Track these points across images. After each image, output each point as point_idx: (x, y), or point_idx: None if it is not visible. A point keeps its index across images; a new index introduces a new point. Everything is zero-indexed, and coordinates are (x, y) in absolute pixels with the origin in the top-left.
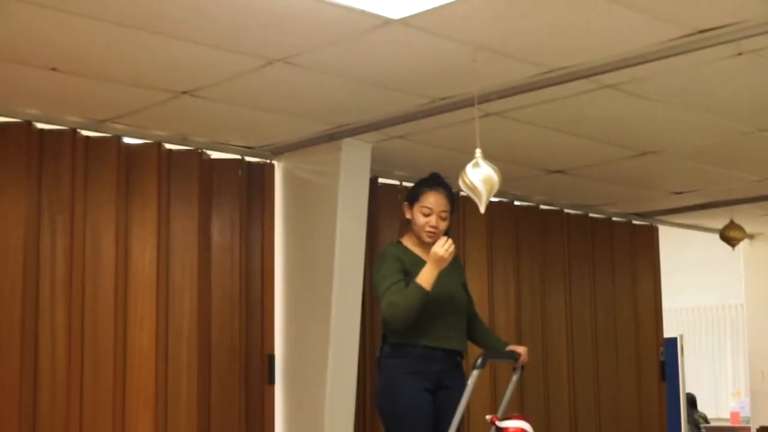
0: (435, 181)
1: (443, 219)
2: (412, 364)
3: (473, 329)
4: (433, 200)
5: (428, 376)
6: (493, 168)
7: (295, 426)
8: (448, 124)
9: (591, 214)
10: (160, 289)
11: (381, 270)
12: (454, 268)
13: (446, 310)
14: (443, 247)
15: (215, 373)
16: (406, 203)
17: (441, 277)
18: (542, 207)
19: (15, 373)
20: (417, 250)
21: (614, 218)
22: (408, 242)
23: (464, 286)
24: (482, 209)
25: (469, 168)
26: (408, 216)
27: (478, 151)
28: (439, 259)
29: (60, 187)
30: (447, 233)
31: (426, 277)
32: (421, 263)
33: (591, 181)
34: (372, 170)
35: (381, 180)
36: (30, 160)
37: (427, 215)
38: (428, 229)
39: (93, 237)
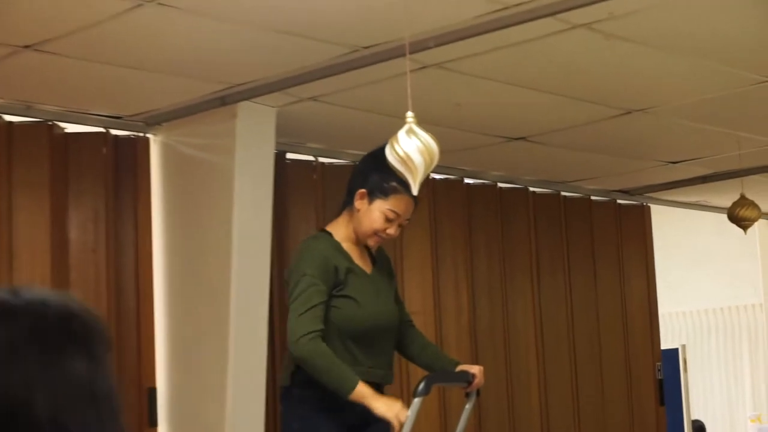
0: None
1: (401, 226)
2: (331, 397)
3: (408, 342)
4: (404, 207)
5: (348, 414)
6: (422, 139)
7: None
8: (373, 81)
9: (563, 193)
10: None
11: (299, 267)
12: (385, 271)
13: (381, 332)
14: (396, 416)
15: None
16: (364, 191)
17: (372, 294)
18: (501, 185)
19: None
20: (348, 246)
21: (594, 197)
22: (339, 234)
23: (396, 294)
24: (415, 189)
25: (400, 136)
26: (359, 207)
27: (410, 115)
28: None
29: None
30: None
31: (364, 396)
32: (353, 263)
33: (562, 149)
34: (278, 143)
35: (290, 155)
36: None
37: (390, 220)
38: (383, 235)
39: None
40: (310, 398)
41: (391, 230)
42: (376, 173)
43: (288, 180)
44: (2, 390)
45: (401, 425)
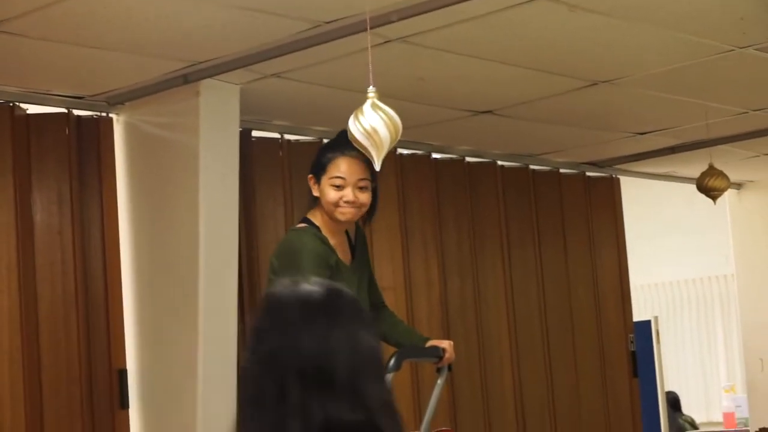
0: (345, 142)
1: (363, 189)
2: None
3: (379, 322)
4: (345, 167)
5: None
6: (387, 113)
7: None
8: (337, 56)
9: (532, 166)
10: None
11: (301, 268)
12: (362, 257)
13: None
14: None
15: (48, 398)
16: (311, 177)
17: (351, 284)
18: (468, 159)
19: None
20: (331, 238)
21: (562, 170)
22: (322, 225)
23: (370, 279)
24: (377, 165)
25: (365, 109)
26: (316, 192)
27: (371, 89)
28: None
29: None
30: (372, 210)
31: None
32: (339, 259)
33: (529, 122)
34: (242, 121)
35: (255, 133)
36: None
37: (339, 187)
38: (342, 204)
39: None
40: None
41: (348, 196)
42: (315, 158)
43: (254, 158)
44: (319, 355)
45: None
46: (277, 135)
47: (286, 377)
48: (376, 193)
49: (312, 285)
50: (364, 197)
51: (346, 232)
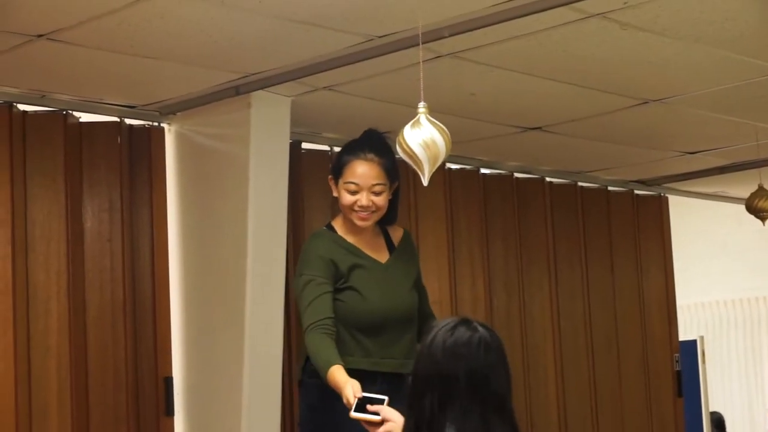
0: (362, 145)
1: (378, 194)
2: None
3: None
4: (360, 171)
5: None
6: (437, 128)
7: None
8: (389, 70)
9: (581, 184)
10: (17, 295)
11: (299, 269)
12: (405, 260)
13: (391, 323)
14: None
15: (94, 404)
16: (330, 178)
17: (385, 281)
18: (517, 175)
19: None
20: (353, 238)
21: (611, 188)
22: (341, 227)
23: (416, 281)
24: (425, 181)
25: (406, 129)
26: (335, 193)
27: (421, 105)
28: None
29: None
30: (391, 213)
31: (332, 381)
32: (360, 255)
33: (579, 139)
34: (293, 133)
35: (305, 145)
36: None
37: (353, 192)
38: (357, 209)
39: None
40: (318, 387)
41: (362, 201)
42: (335, 159)
43: (303, 170)
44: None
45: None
46: (326, 147)
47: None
48: (397, 193)
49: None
50: (380, 201)
51: (385, 233)
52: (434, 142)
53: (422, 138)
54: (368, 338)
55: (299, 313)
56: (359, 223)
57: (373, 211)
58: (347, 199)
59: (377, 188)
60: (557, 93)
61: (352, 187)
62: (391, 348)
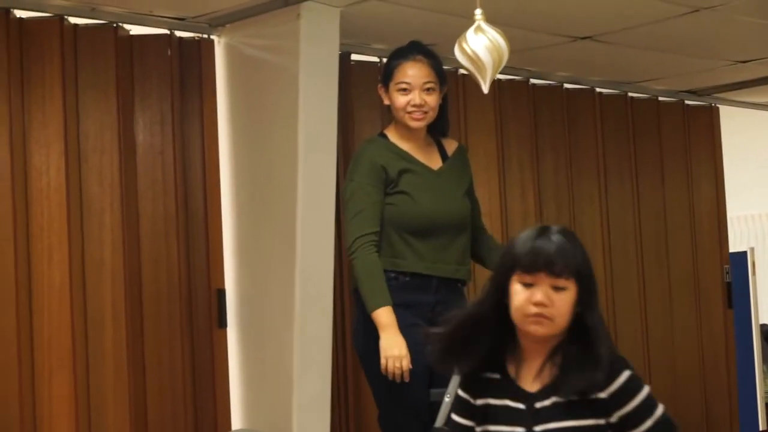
0: (410, 48)
1: (429, 92)
2: (397, 294)
3: (479, 246)
4: (411, 72)
5: (419, 309)
6: (499, 33)
7: (256, 380)
8: None
9: (631, 94)
10: (71, 208)
11: (350, 174)
12: (458, 169)
13: (442, 228)
14: (392, 358)
15: (148, 316)
16: (380, 86)
17: (437, 187)
18: (567, 86)
19: None
20: (405, 144)
21: (661, 98)
22: (393, 134)
23: (469, 191)
24: (485, 88)
25: (469, 34)
26: (386, 101)
27: (478, 12)
28: (386, 343)
29: None
30: (443, 114)
31: (380, 322)
32: (411, 161)
33: (629, 49)
34: (342, 44)
35: (354, 56)
36: None
37: (406, 92)
38: (410, 109)
39: None
40: None
41: (415, 99)
42: (384, 67)
43: (352, 81)
44: None
45: (394, 373)
46: (375, 59)
47: None
48: (446, 102)
49: None
50: (431, 99)
51: (439, 144)
52: (499, 46)
53: (487, 41)
54: (420, 242)
55: (345, 218)
56: (413, 124)
57: (425, 112)
58: (399, 100)
59: (428, 85)
60: (608, 1)
61: (404, 86)
62: (444, 253)
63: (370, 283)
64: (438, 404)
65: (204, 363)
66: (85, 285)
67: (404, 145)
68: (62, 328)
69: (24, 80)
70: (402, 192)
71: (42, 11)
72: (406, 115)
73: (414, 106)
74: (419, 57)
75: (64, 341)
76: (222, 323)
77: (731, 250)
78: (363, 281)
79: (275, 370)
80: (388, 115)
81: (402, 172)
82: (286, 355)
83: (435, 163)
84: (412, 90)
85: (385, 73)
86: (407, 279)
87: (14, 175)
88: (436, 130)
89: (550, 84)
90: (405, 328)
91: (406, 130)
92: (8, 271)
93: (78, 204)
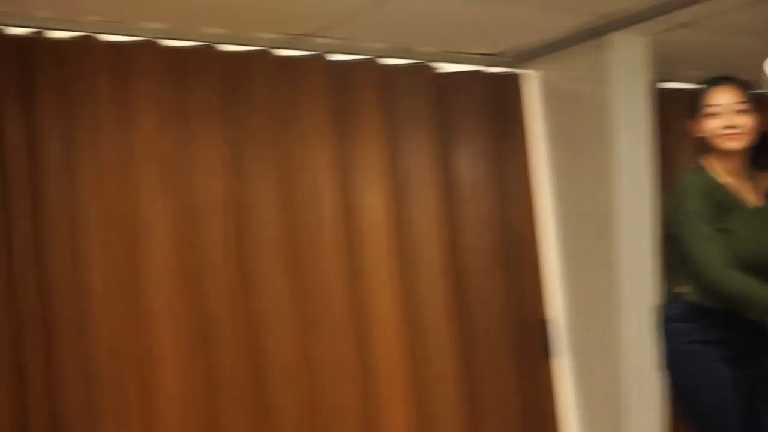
0: (715, 78)
1: (741, 113)
2: (708, 331)
3: None
4: (719, 95)
5: (729, 345)
6: None
7: (589, 409)
8: (746, 3)
9: None
10: (397, 243)
11: (683, 206)
12: None
13: (759, 268)
14: None
15: (479, 348)
16: (690, 121)
17: (754, 228)
18: None
19: (233, 359)
20: (729, 183)
21: None
22: (715, 170)
23: None
24: None
25: None
26: (701, 134)
27: None
28: None
29: (256, 117)
30: (764, 155)
31: None
32: (734, 198)
33: None
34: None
35: (666, 84)
36: (221, 86)
37: (715, 115)
38: (723, 131)
39: (305, 181)
40: (683, 332)
41: (726, 121)
42: (689, 104)
43: (664, 108)
44: None
45: None
46: (686, 85)
47: None
48: (756, 117)
49: None
50: (744, 120)
51: (760, 178)
52: None
53: None
54: None
55: (691, 247)
56: (729, 144)
57: (740, 133)
58: (711, 125)
59: (738, 107)
60: None
61: (712, 110)
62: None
63: (753, 292)
64: None
65: (533, 392)
66: (415, 318)
67: (725, 180)
68: (396, 359)
69: (343, 122)
70: (724, 230)
71: (356, 54)
72: (720, 139)
73: (726, 126)
74: (726, 82)
75: (399, 371)
76: (548, 352)
77: None
78: (744, 294)
79: (605, 399)
80: (701, 148)
81: (725, 209)
82: (614, 384)
83: (753, 198)
84: (722, 114)
85: (693, 106)
86: (721, 317)
87: (338, 213)
88: (759, 165)
89: None
90: (712, 363)
91: (726, 162)
92: (339, 305)
93: (403, 240)
